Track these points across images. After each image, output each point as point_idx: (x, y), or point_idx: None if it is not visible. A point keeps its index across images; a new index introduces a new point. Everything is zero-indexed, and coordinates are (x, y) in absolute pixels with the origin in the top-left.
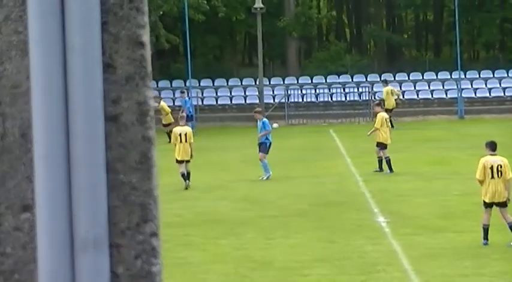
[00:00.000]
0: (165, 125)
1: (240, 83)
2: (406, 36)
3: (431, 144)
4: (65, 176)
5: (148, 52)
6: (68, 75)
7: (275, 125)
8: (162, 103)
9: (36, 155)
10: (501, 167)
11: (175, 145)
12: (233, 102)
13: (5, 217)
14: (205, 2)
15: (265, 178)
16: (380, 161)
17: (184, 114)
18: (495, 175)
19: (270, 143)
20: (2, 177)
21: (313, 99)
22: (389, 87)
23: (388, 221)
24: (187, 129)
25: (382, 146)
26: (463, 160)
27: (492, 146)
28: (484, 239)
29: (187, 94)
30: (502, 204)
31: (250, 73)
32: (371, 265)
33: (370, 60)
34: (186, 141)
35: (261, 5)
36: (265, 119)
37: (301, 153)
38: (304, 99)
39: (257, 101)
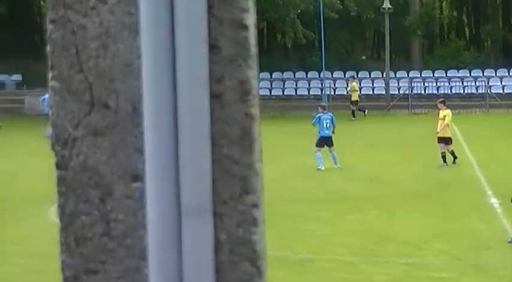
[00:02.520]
0: None
1: (368, 75)
2: None
3: None
4: (173, 149)
5: (252, 35)
6: (176, 54)
7: None
8: None
9: (146, 128)
10: None
11: None
12: (362, 92)
13: (117, 186)
14: (339, 2)
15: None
16: (451, 154)
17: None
18: None
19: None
20: (114, 149)
21: (434, 91)
22: (354, 83)
23: (500, 202)
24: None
25: (447, 140)
26: None
27: None
28: None
29: None
30: None
31: (377, 66)
32: (483, 242)
33: (486, 56)
34: None
35: (389, 5)
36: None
37: (422, 139)
38: (426, 91)
39: (384, 92)
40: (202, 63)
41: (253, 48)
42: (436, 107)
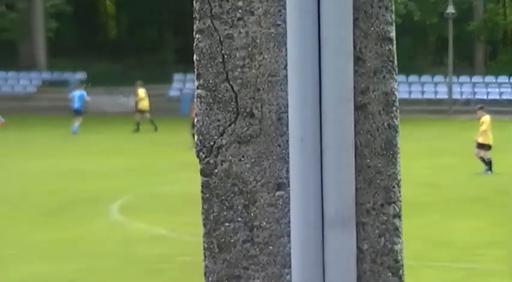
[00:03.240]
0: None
1: (431, 80)
2: None
3: None
4: (317, 158)
5: (395, 47)
6: (321, 66)
7: None
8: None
9: (292, 137)
10: None
11: None
12: (424, 96)
13: (260, 194)
14: (403, 7)
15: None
16: (484, 161)
17: None
18: None
19: None
20: (259, 157)
21: (497, 97)
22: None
23: None
24: None
25: (486, 147)
26: None
27: None
28: None
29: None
30: None
31: (440, 71)
32: None
33: None
34: None
35: (453, 11)
36: None
37: None
38: (489, 97)
39: (446, 97)
40: (348, 74)
41: (396, 61)
42: (496, 113)
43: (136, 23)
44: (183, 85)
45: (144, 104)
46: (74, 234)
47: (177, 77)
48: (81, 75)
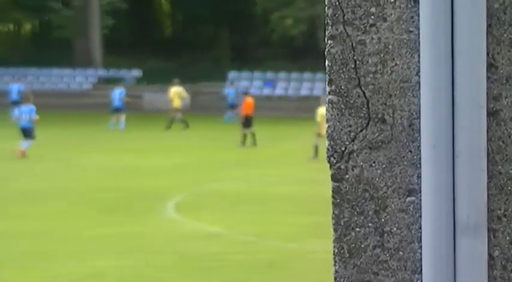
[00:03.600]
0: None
1: None
2: None
3: None
4: (450, 165)
5: None
6: (454, 72)
7: None
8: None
9: (424, 144)
10: None
11: None
12: None
13: (391, 199)
14: None
15: None
16: None
17: None
18: None
19: None
20: (390, 163)
21: None
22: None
23: None
24: None
25: None
26: None
27: None
28: None
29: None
30: None
31: None
32: None
33: None
34: None
35: None
36: None
37: None
38: None
39: None
40: (481, 81)
41: None
42: None
43: (191, 20)
44: (238, 83)
45: (174, 103)
46: (129, 230)
47: (231, 74)
48: (136, 73)
